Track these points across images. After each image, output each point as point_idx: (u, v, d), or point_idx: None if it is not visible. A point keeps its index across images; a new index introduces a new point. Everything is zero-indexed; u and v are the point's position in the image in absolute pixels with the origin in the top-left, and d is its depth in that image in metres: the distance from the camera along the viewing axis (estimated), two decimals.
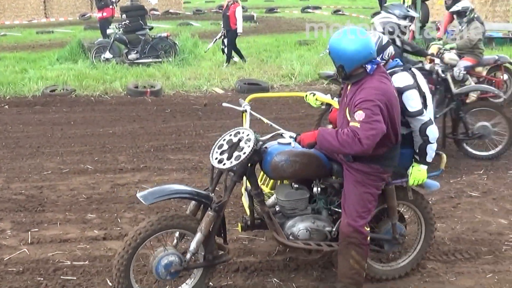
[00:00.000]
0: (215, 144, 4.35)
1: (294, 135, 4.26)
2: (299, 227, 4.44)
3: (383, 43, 4.61)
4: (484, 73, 10.22)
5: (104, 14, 16.72)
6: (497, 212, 6.25)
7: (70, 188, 6.78)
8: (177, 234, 4.40)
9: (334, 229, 4.50)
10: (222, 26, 15.36)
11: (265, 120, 4.53)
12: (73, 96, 11.71)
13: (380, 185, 4.25)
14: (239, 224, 4.69)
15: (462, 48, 9.74)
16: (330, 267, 4.98)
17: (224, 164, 4.17)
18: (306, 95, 5.34)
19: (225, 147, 4.27)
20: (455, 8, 9.99)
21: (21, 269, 4.86)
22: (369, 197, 4.19)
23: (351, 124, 3.89)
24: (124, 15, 15.98)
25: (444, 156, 4.73)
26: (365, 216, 4.19)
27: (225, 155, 4.20)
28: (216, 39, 15.63)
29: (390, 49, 4.68)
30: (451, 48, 9.69)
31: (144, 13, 16.60)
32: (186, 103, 11.35)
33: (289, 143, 4.33)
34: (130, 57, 14.85)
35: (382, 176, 4.22)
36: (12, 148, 8.38)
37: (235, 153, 4.17)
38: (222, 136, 4.40)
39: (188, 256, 4.20)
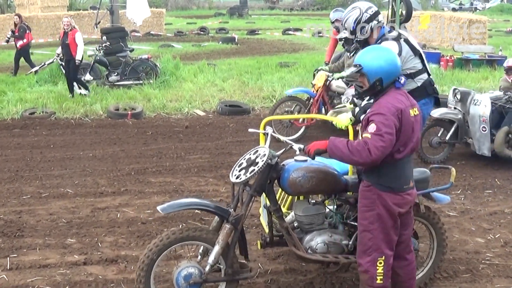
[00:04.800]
0: (237, 163, 4.56)
1: (302, 146, 4.39)
2: (317, 241, 4.60)
3: (362, 19, 5.22)
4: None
5: (24, 40, 16.71)
6: (475, 232, 6.34)
7: (50, 212, 6.73)
8: (201, 249, 4.54)
9: (350, 243, 4.65)
10: (56, 52, 14.77)
11: (281, 138, 4.78)
12: (53, 118, 11.66)
13: (380, 210, 4.16)
14: (258, 242, 4.85)
15: (351, 77, 9.65)
16: None
17: (239, 178, 4.34)
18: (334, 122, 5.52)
19: (244, 164, 4.45)
20: (342, 35, 9.86)
21: None
22: (369, 234, 4.19)
23: (363, 135, 4.01)
24: (104, 37, 15.98)
25: (454, 170, 4.85)
26: (369, 253, 4.21)
27: (243, 171, 4.39)
28: (44, 64, 15.25)
29: (373, 24, 5.28)
30: (339, 78, 9.78)
31: (125, 35, 16.63)
32: (167, 125, 11.36)
33: (306, 160, 4.51)
34: (110, 79, 14.83)
35: (381, 196, 4.14)
36: None
37: (250, 168, 4.36)
38: (243, 155, 4.59)
39: (207, 268, 4.31)
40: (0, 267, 5.37)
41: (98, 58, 14.90)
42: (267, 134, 4.72)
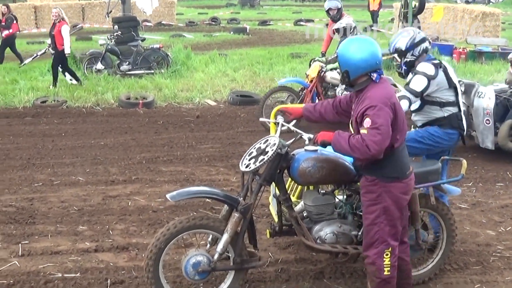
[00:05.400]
0: (247, 152, 4.55)
1: (312, 136, 4.38)
2: (326, 231, 4.59)
3: (416, 40, 5.40)
4: None
5: (10, 30, 16.68)
6: (485, 224, 6.32)
7: (61, 200, 6.77)
8: (209, 238, 4.55)
9: (359, 233, 4.64)
10: (47, 42, 14.37)
11: (291, 127, 4.73)
12: (64, 107, 11.70)
13: (387, 203, 4.15)
14: (268, 231, 4.83)
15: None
16: (321, 278, 5.04)
17: (249, 167, 4.34)
18: None
19: (254, 153, 4.46)
20: (339, 25, 9.86)
21: (11, 281, 4.85)
22: (375, 227, 4.18)
23: (361, 131, 3.98)
24: (116, 26, 15.98)
25: (465, 162, 4.89)
26: (376, 245, 4.21)
27: (253, 160, 4.40)
28: (37, 55, 14.96)
29: (423, 46, 5.43)
30: (333, 69, 9.73)
31: (136, 24, 16.63)
32: (179, 115, 11.37)
33: (316, 150, 4.50)
34: (122, 68, 14.85)
35: (388, 188, 4.15)
36: (2, 159, 8.36)
37: (260, 157, 4.36)
38: (253, 144, 4.59)
39: (215, 256, 4.33)
40: (12, 253, 5.41)
41: (110, 47, 14.89)
42: (278, 123, 4.70)
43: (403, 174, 4.18)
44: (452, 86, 5.45)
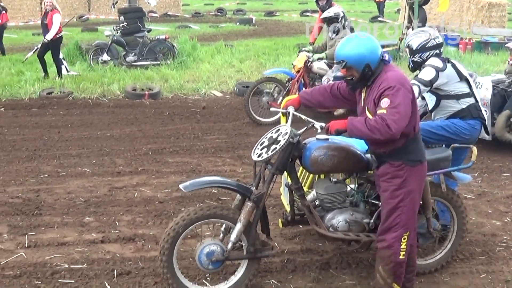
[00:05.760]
0: (258, 141, 4.56)
1: (324, 125, 4.36)
2: (338, 219, 4.61)
3: (428, 45, 5.47)
4: None
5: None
6: (491, 214, 6.32)
7: (68, 191, 6.78)
8: (223, 228, 4.56)
9: (372, 221, 4.66)
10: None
11: (302, 116, 4.75)
12: (70, 98, 11.69)
13: (412, 187, 4.19)
14: (280, 220, 4.89)
15: (332, 58, 9.40)
16: (327, 269, 5.04)
17: (261, 157, 4.35)
18: None
19: (266, 143, 4.46)
20: (327, 14, 9.80)
21: (18, 273, 4.86)
22: (398, 211, 4.19)
23: (378, 112, 3.96)
24: (122, 17, 15.94)
25: (475, 149, 4.93)
26: (395, 229, 4.21)
27: (264, 150, 4.40)
28: (37, 48, 14.07)
29: (433, 52, 5.50)
30: (320, 59, 9.64)
31: (142, 15, 16.58)
32: (185, 106, 11.37)
33: (327, 139, 4.52)
34: (128, 59, 14.83)
35: (413, 172, 4.18)
36: (8, 151, 8.37)
37: (272, 146, 4.36)
38: (265, 134, 4.58)
39: (229, 246, 4.35)
40: (18, 245, 5.42)
41: (116, 38, 14.86)
42: (289, 113, 4.70)
43: (424, 158, 4.26)
44: (463, 78, 5.47)
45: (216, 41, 19.12)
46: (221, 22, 26.95)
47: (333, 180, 4.72)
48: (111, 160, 7.98)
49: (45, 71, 13.26)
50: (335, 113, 9.63)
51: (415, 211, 4.25)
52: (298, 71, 9.83)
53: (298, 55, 10.26)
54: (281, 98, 9.65)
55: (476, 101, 5.53)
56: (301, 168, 4.91)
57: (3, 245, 5.39)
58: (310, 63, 9.79)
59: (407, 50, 5.69)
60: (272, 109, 5.35)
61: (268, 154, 4.31)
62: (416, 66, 5.62)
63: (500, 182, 7.27)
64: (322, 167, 4.43)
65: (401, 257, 4.22)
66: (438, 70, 5.35)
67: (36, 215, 6.09)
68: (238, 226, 4.33)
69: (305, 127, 4.52)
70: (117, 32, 15.07)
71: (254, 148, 4.51)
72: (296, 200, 4.72)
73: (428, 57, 5.52)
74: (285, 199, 5.26)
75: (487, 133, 5.87)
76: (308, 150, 4.46)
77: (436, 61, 5.42)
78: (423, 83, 5.34)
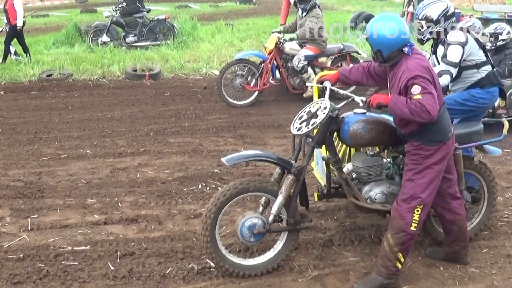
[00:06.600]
0: (297, 115, 4.59)
1: (364, 99, 4.41)
2: (375, 191, 4.70)
3: (449, 13, 5.42)
4: (329, 64, 9.80)
5: None
6: None
7: (69, 173, 6.74)
8: (262, 201, 4.63)
9: None
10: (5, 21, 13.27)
11: (341, 91, 4.80)
12: (71, 80, 11.61)
13: (428, 163, 4.24)
14: (315, 193, 5.00)
15: (302, 38, 9.49)
16: (330, 246, 5.03)
17: (301, 131, 4.39)
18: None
19: (305, 117, 4.50)
20: None
21: (21, 256, 4.84)
22: (412, 183, 4.25)
23: (414, 97, 4.00)
24: None
25: (506, 122, 4.94)
26: (409, 201, 4.24)
27: (304, 124, 4.44)
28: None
29: (453, 20, 5.45)
30: (291, 39, 9.51)
31: None
32: (185, 86, 11.29)
33: (364, 113, 4.59)
34: (128, 40, 14.74)
35: (432, 152, 4.23)
36: (9, 134, 8.33)
37: (312, 120, 4.41)
38: (303, 108, 4.62)
39: (270, 218, 4.42)
40: (21, 227, 5.39)
41: (115, 19, 14.77)
42: (325, 87, 4.72)
43: (446, 137, 4.27)
44: (481, 46, 5.50)
45: (216, 20, 18.97)
46: (221, 1, 26.74)
47: (370, 153, 4.77)
48: (112, 141, 7.93)
49: (4, 60, 12.89)
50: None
51: (431, 186, 4.26)
52: (270, 53, 9.72)
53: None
54: (254, 80, 9.63)
55: (493, 67, 5.53)
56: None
57: (5, 229, 5.37)
58: (281, 44, 9.68)
59: (424, 22, 5.54)
60: (308, 83, 5.34)
61: (308, 128, 4.36)
62: (434, 37, 5.53)
63: (501, 158, 7.21)
64: (361, 140, 4.48)
65: (412, 228, 4.24)
66: (463, 46, 5.35)
67: (38, 198, 6.06)
68: (279, 199, 4.38)
69: (345, 101, 4.58)
70: (117, 13, 14.97)
71: (293, 122, 4.55)
72: (332, 173, 4.80)
73: (448, 26, 5.45)
74: (320, 173, 5.30)
75: (504, 97, 5.84)
76: (347, 124, 4.51)
77: (458, 35, 5.38)
78: (454, 65, 5.35)
